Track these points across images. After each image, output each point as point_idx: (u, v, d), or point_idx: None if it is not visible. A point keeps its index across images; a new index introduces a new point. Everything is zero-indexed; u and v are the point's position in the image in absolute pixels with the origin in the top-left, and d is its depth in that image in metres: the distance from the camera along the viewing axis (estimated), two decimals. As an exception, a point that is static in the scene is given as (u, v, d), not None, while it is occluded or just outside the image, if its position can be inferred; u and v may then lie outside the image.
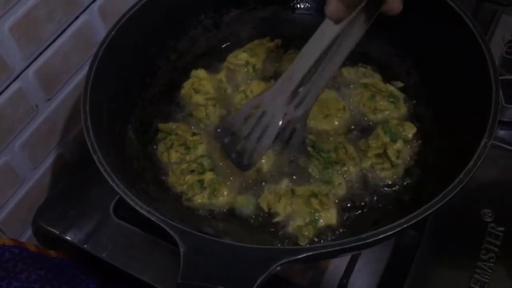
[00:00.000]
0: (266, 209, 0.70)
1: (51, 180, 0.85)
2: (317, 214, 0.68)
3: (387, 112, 0.78)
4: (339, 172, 0.72)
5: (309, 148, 0.74)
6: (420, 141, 0.75)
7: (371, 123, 0.78)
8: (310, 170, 0.73)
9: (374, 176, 0.73)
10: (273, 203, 0.70)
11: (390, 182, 0.72)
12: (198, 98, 0.81)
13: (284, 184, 0.72)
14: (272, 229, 0.69)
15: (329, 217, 0.68)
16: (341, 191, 0.71)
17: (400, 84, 0.81)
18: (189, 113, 0.80)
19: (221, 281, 0.51)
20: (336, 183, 0.71)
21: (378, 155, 0.73)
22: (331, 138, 0.76)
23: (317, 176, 0.72)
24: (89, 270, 0.83)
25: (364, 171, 0.73)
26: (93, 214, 0.79)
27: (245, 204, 0.71)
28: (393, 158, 0.72)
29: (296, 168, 0.74)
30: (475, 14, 0.98)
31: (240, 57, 0.84)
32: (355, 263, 0.72)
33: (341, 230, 0.69)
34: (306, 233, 0.67)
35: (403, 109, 0.79)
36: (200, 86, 0.82)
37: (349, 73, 0.83)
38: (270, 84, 0.80)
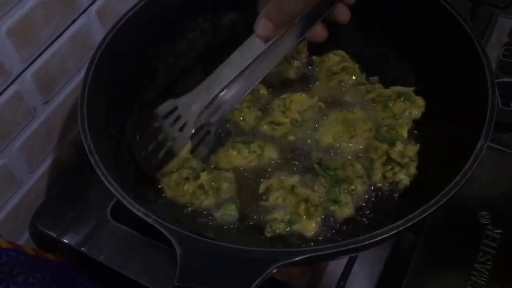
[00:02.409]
0: (261, 191, 0.70)
1: (49, 182, 0.85)
2: (297, 218, 0.68)
3: (408, 111, 0.77)
4: (346, 190, 0.71)
5: (315, 165, 0.73)
6: (418, 143, 0.75)
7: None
8: (316, 187, 0.72)
9: (388, 186, 0.72)
10: (272, 189, 0.70)
11: (406, 185, 0.71)
12: None
13: (294, 178, 0.71)
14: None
15: (307, 226, 0.68)
16: (348, 211, 0.70)
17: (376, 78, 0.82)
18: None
19: (217, 284, 0.51)
20: (343, 202, 0.70)
21: (384, 164, 0.73)
22: (338, 157, 0.75)
23: (323, 197, 0.71)
24: (86, 273, 0.83)
25: (377, 186, 0.73)
26: (91, 217, 0.79)
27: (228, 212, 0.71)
28: (399, 160, 0.72)
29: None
30: (472, 16, 0.99)
31: None
32: (352, 266, 0.72)
33: (315, 242, 0.68)
34: (275, 227, 0.67)
35: (420, 100, 0.78)
36: None
37: (350, 96, 0.82)
38: (313, 100, 0.79)
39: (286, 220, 0.68)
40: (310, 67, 0.86)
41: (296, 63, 0.86)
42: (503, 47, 0.92)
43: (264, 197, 0.71)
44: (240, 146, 0.75)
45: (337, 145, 0.76)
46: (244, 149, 0.75)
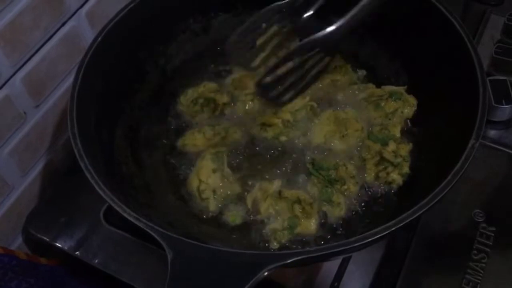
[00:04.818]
0: (249, 206, 0.70)
1: (41, 187, 0.84)
2: (296, 221, 0.68)
3: (400, 110, 0.77)
4: (339, 190, 0.71)
5: (308, 165, 0.73)
6: (411, 142, 0.75)
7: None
8: (308, 188, 0.71)
9: (381, 187, 0.72)
10: (259, 201, 0.70)
11: (399, 185, 0.71)
12: (238, 94, 0.81)
13: (276, 184, 0.71)
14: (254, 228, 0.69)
15: (308, 226, 0.68)
16: (340, 211, 0.69)
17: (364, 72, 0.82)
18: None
19: (208, 287, 0.51)
20: (336, 203, 0.70)
21: (377, 163, 0.73)
22: (330, 157, 0.74)
23: (316, 195, 0.71)
24: (80, 277, 0.82)
25: (370, 186, 0.72)
26: (84, 221, 0.79)
27: (234, 219, 0.71)
28: (391, 159, 0.72)
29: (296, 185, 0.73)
30: (464, 14, 0.99)
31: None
32: (346, 266, 0.72)
33: (320, 242, 0.68)
34: (279, 237, 0.67)
35: (412, 99, 0.78)
36: (240, 83, 0.82)
37: (342, 96, 0.81)
38: (305, 100, 0.78)
39: (287, 227, 0.68)
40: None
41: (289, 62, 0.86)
42: (495, 45, 0.92)
43: (253, 211, 0.70)
44: (205, 129, 0.76)
45: (329, 144, 0.76)
46: (209, 131, 0.76)
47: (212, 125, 0.78)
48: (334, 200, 0.70)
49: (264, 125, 0.78)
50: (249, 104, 0.80)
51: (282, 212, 0.69)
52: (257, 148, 0.77)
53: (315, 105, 0.79)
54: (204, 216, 0.71)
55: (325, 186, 0.71)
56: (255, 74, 0.83)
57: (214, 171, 0.72)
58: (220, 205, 0.71)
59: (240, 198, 0.72)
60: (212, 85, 0.82)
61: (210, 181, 0.72)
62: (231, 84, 0.83)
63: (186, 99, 0.81)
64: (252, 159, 0.76)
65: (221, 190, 0.72)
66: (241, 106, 0.81)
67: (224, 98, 0.80)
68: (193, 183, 0.73)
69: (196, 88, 0.82)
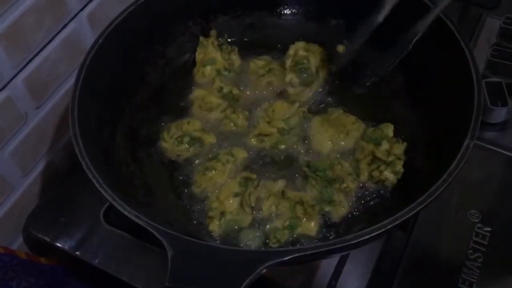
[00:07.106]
0: (253, 204, 0.70)
1: (41, 187, 0.85)
2: (297, 222, 0.68)
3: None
4: (339, 189, 0.71)
5: (304, 168, 0.74)
6: (405, 141, 0.76)
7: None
8: (308, 191, 0.72)
9: (375, 186, 0.73)
10: (262, 198, 0.70)
11: (393, 183, 0.72)
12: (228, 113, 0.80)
13: (279, 183, 0.72)
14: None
15: (308, 227, 0.68)
16: (343, 209, 0.70)
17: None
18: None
19: (207, 284, 0.52)
20: (338, 202, 0.70)
21: (370, 163, 0.73)
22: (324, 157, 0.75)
23: (316, 197, 0.71)
24: (80, 277, 0.83)
25: (365, 185, 0.73)
26: (84, 221, 0.79)
27: (251, 239, 0.69)
28: (384, 158, 0.72)
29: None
30: (461, 17, 1.00)
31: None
32: (343, 265, 0.72)
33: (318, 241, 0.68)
34: (279, 236, 0.67)
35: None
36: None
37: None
38: (294, 107, 0.79)
39: (287, 226, 0.69)
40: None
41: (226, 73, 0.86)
42: (491, 47, 0.93)
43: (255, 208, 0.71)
44: (212, 165, 0.74)
45: (333, 146, 0.77)
46: (217, 163, 0.74)
47: (212, 158, 0.76)
48: (336, 199, 0.70)
49: (261, 135, 0.78)
50: (241, 120, 0.80)
51: (284, 212, 0.70)
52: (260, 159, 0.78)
53: (306, 110, 0.80)
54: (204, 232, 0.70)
55: (325, 186, 0.72)
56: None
57: (235, 195, 0.71)
58: (221, 230, 0.69)
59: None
60: (196, 122, 0.79)
61: (226, 203, 0.70)
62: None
63: (170, 136, 0.77)
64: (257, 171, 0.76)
65: (231, 216, 0.70)
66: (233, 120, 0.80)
67: (211, 138, 0.78)
68: (211, 198, 0.72)
69: (180, 124, 0.79)
